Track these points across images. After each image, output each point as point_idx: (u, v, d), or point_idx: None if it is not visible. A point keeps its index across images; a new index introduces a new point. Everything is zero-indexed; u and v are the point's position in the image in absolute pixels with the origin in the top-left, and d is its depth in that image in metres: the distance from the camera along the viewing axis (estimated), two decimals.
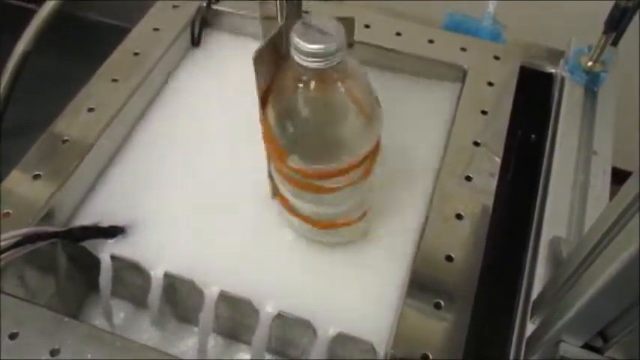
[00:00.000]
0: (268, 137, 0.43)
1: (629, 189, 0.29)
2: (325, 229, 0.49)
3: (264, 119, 0.43)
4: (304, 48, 0.36)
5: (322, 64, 0.37)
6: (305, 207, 0.47)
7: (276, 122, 0.41)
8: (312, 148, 0.42)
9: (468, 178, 0.52)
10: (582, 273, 0.32)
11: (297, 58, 0.37)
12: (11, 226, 0.46)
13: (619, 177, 0.55)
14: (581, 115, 0.56)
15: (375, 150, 0.45)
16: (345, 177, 0.43)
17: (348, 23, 0.39)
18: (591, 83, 0.58)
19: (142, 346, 0.44)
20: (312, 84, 0.38)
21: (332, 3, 0.67)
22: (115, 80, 0.58)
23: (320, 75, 0.38)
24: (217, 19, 0.67)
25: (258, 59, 0.39)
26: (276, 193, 0.50)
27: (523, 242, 0.50)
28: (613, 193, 0.50)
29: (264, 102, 0.42)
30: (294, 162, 0.42)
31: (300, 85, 0.39)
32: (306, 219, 0.48)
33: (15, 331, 0.43)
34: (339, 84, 0.39)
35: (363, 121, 0.42)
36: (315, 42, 0.36)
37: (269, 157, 0.47)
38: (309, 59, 0.37)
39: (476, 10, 0.66)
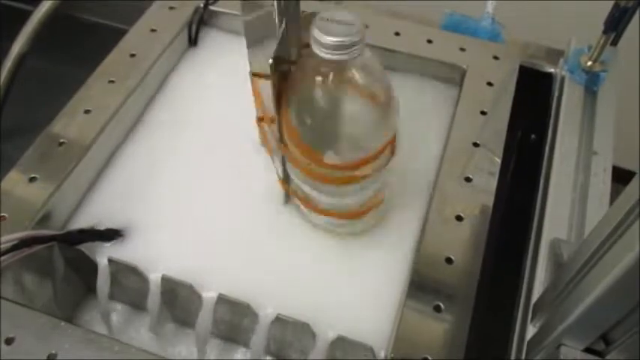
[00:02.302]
0: (295, 140, 0.43)
1: (630, 192, 0.28)
2: (347, 220, 0.50)
3: (285, 124, 0.43)
4: (326, 40, 0.37)
5: (344, 55, 0.38)
6: (331, 201, 0.47)
7: (300, 123, 0.42)
8: (340, 141, 0.43)
9: (468, 179, 0.52)
10: (583, 277, 0.32)
11: (318, 51, 0.38)
12: (7, 230, 0.46)
13: (619, 175, 0.55)
14: (581, 115, 0.56)
15: (394, 136, 0.46)
16: (372, 164, 0.44)
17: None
18: (591, 83, 0.58)
19: (139, 350, 0.43)
20: (332, 77, 0.39)
21: (331, 3, 0.67)
22: (111, 82, 0.58)
23: (340, 67, 0.39)
24: (215, 20, 0.66)
25: (274, 66, 0.40)
26: (290, 196, 0.50)
27: (523, 244, 0.50)
28: (613, 191, 0.50)
29: (279, 106, 0.42)
30: (331, 158, 0.42)
31: (320, 79, 0.40)
32: (330, 213, 0.49)
33: (11, 335, 0.43)
34: (357, 75, 0.40)
35: (380, 109, 0.43)
36: (336, 34, 0.37)
37: (288, 161, 0.47)
38: (332, 51, 0.37)
39: (475, 10, 0.65)
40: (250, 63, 0.47)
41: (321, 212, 0.49)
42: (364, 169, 0.44)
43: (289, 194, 0.51)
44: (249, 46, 0.46)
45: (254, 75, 0.48)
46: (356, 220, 0.50)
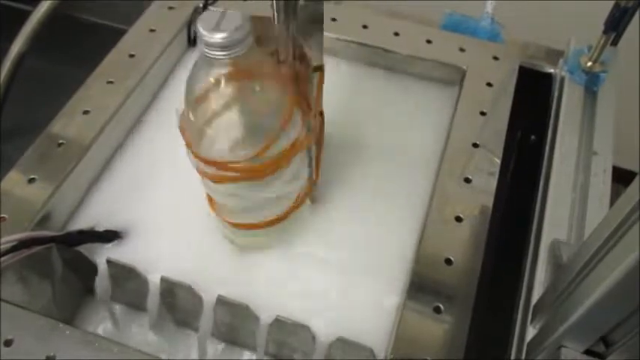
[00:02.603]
0: (182, 126, 0.43)
1: (631, 193, 0.28)
2: (244, 230, 0.49)
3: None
4: (206, 38, 0.36)
5: (224, 54, 0.37)
6: (224, 201, 0.47)
7: (190, 110, 0.42)
8: (219, 136, 0.41)
9: (467, 180, 0.52)
10: (583, 279, 0.31)
11: (202, 47, 0.37)
12: (6, 231, 0.46)
13: (620, 175, 0.55)
14: (581, 115, 0.56)
15: (295, 146, 0.43)
16: (245, 173, 0.42)
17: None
18: (591, 83, 0.58)
19: (137, 352, 0.43)
20: (221, 74, 0.39)
21: (331, 3, 0.67)
22: (110, 82, 0.58)
23: (228, 65, 0.38)
24: None
25: None
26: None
27: (523, 244, 0.50)
28: (613, 191, 0.50)
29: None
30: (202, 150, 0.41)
31: (211, 75, 0.39)
32: (225, 219, 0.48)
33: (10, 337, 0.43)
34: (247, 75, 0.39)
35: (268, 114, 0.42)
36: (216, 32, 0.36)
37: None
38: (212, 50, 0.37)
39: (474, 10, 0.65)
40: None
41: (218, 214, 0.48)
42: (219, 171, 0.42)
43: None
44: None
45: None
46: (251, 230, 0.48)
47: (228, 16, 0.37)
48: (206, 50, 0.37)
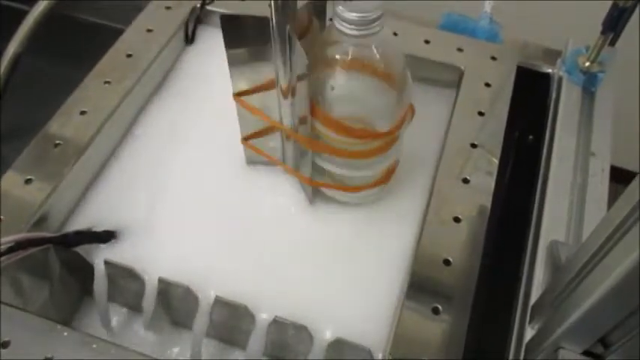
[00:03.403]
0: (316, 110, 0.44)
1: (630, 194, 0.28)
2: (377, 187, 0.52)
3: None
4: (348, 16, 0.39)
5: (366, 31, 0.40)
6: (362, 174, 0.50)
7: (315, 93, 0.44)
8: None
9: (466, 181, 0.52)
10: (581, 280, 0.31)
11: (339, 25, 0.40)
12: (3, 232, 0.46)
13: (617, 175, 0.55)
14: (579, 116, 0.56)
15: (404, 119, 0.47)
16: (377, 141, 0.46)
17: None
18: (589, 84, 0.58)
19: (135, 353, 0.43)
20: (351, 55, 0.42)
21: (330, 3, 0.66)
22: (107, 82, 0.57)
23: (360, 45, 0.41)
24: (211, 20, 0.66)
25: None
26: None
27: (521, 245, 0.50)
28: (611, 191, 0.50)
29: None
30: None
31: (339, 55, 0.42)
32: (362, 187, 0.51)
33: (7, 339, 0.42)
34: (376, 52, 0.42)
35: (394, 91, 0.45)
36: (357, 10, 0.39)
37: (322, 153, 0.48)
38: (352, 27, 0.40)
39: (473, 10, 0.65)
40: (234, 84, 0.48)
41: (354, 190, 0.51)
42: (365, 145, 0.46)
43: (321, 186, 0.52)
44: (231, 67, 0.47)
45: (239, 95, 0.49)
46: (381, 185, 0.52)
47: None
48: (346, 27, 0.40)
